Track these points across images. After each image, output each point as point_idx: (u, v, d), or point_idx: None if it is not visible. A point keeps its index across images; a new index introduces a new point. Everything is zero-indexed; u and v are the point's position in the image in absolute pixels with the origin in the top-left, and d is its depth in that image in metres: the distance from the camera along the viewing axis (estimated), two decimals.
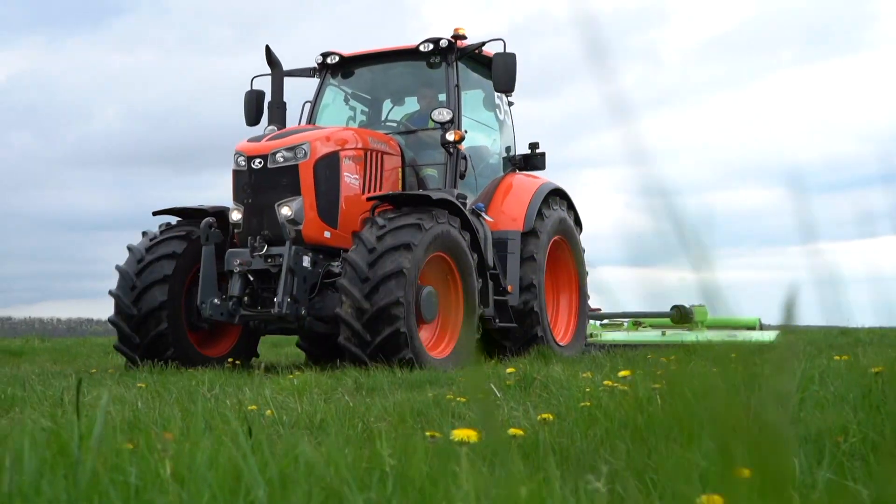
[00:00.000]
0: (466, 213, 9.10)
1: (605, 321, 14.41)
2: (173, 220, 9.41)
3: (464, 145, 10.22)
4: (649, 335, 12.77)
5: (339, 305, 8.03)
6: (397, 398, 4.91)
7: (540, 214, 10.65)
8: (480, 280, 9.09)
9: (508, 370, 5.68)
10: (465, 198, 9.68)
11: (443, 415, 4.13)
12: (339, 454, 1.89)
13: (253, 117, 10.44)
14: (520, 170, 11.35)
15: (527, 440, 2.86)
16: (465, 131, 10.08)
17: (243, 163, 8.80)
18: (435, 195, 8.79)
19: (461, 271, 8.85)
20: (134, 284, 8.74)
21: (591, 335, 12.34)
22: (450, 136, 9.69)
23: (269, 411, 4.14)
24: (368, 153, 9.43)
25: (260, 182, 8.72)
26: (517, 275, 10.22)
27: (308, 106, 10.76)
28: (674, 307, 12.52)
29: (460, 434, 2.55)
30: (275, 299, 8.23)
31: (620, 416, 3.11)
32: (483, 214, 9.93)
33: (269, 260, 8.45)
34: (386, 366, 7.46)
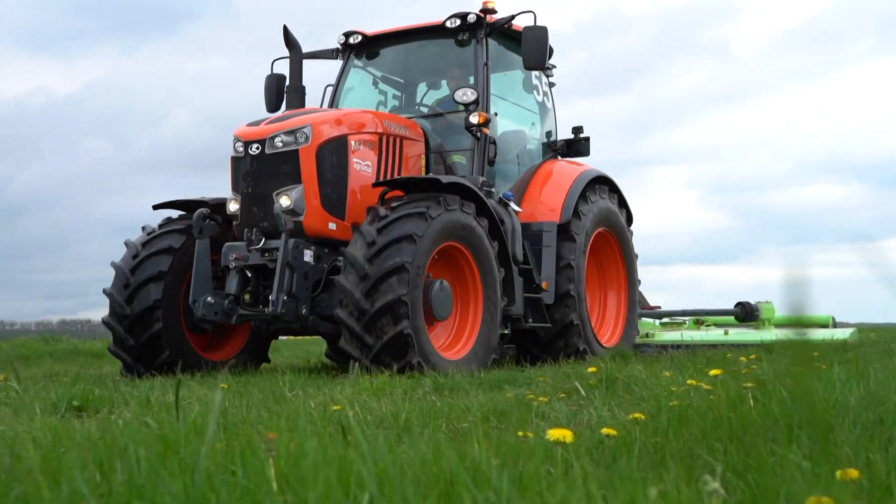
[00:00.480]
0: (483, 196, 8.26)
1: (665, 320, 13.60)
2: (176, 214, 8.73)
3: (500, 130, 9.60)
4: (710, 335, 11.72)
5: (338, 305, 7.36)
6: (478, 398, 4.89)
7: (583, 198, 9.78)
8: (503, 270, 8.35)
9: (590, 370, 5.63)
10: (490, 185, 8.89)
11: (526, 414, 4.11)
12: (439, 453, 1.88)
13: (273, 103, 9.79)
14: (562, 156, 10.50)
15: (620, 440, 2.82)
16: (495, 114, 9.37)
17: (241, 149, 8.11)
18: (445, 179, 8.09)
19: (479, 262, 8.08)
20: (128, 282, 8.08)
21: (646, 335, 11.71)
22: (473, 119, 8.90)
23: (353, 412, 4.15)
24: (385, 138, 8.68)
25: (257, 169, 8.01)
26: (553, 270, 9.35)
27: (330, 90, 10.04)
28: (738, 304, 11.90)
29: (556, 434, 2.54)
30: (270, 297, 7.54)
31: (713, 416, 3.06)
32: (511, 204, 9.05)
33: (267, 254, 7.75)
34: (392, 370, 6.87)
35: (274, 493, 1.64)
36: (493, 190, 8.88)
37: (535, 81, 10.25)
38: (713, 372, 3.99)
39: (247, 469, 1.78)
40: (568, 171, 10.06)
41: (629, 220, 10.75)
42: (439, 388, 5.64)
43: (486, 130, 9.00)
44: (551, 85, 10.64)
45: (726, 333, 11.13)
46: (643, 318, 12.70)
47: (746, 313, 11.78)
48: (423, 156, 9.11)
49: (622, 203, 10.65)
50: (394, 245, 7.26)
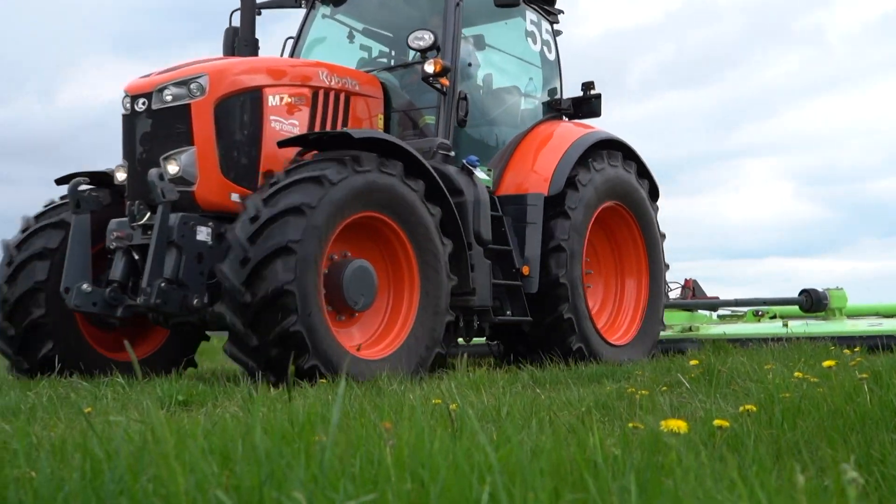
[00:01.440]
0: (416, 154, 6.71)
1: (722, 311, 12.53)
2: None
3: (496, 86, 8.41)
4: (766, 327, 10.09)
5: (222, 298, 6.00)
6: (579, 392, 4.85)
7: (584, 165, 8.17)
8: (449, 243, 6.78)
9: (692, 362, 5.54)
10: (448, 148, 7.38)
11: (630, 407, 4.06)
12: (558, 442, 1.86)
13: None
14: (569, 118, 8.91)
15: (733, 432, 2.76)
16: (469, 64, 8.02)
17: (128, 105, 6.71)
18: (358, 133, 6.57)
19: (410, 235, 6.53)
20: (11, 259, 6.85)
21: (690, 328, 10.20)
22: (429, 68, 7.26)
23: (453, 405, 4.15)
24: (323, 93, 7.15)
25: (143, 129, 6.63)
26: (538, 252, 7.76)
27: (291, 43, 8.50)
28: (803, 291, 10.30)
29: (670, 424, 2.49)
30: (141, 283, 6.14)
31: (829, 407, 2.98)
32: (477, 171, 7.41)
33: (150, 232, 6.24)
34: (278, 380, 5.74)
35: (393, 482, 1.63)
36: (453, 154, 7.43)
37: (530, 27, 8.71)
38: (826, 363, 3.87)
39: (365, 458, 1.78)
40: (568, 133, 8.45)
41: (653, 193, 9.09)
42: (538, 381, 5.61)
43: (443, 81, 7.40)
44: (556, 34, 9.07)
45: (785, 325, 9.52)
46: (700, 311, 11.95)
47: (813, 302, 10.23)
48: (381, 116, 7.60)
49: (643, 173, 8.92)
50: (278, 220, 5.86)
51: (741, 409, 3.06)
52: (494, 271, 7.42)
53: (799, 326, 9.35)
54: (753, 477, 1.49)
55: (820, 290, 10.23)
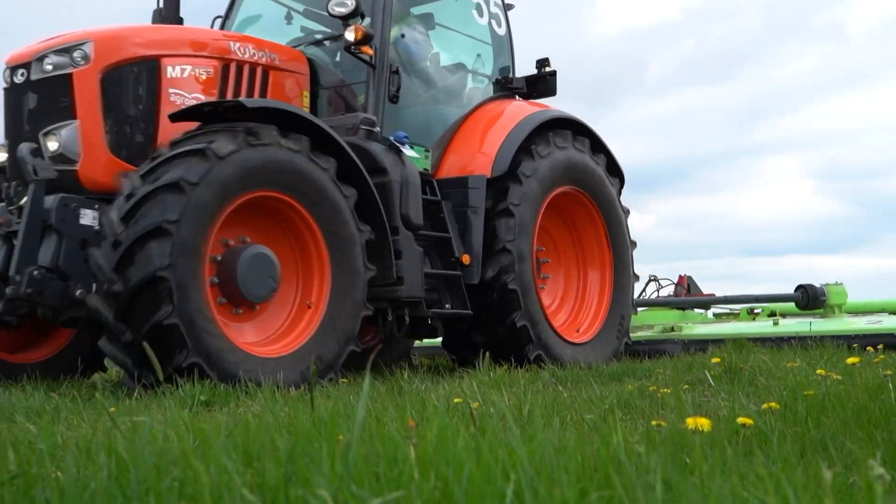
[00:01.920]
0: (325, 128, 6.04)
1: (717, 309, 11.84)
2: None
3: (442, 64, 7.84)
4: (755, 326, 9.34)
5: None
6: (600, 390, 4.83)
7: (527, 153, 7.41)
8: (367, 229, 6.11)
9: (714, 360, 5.51)
10: (372, 123, 6.69)
11: (652, 405, 4.04)
12: (582, 439, 1.86)
13: None
14: (523, 97, 8.23)
15: (757, 430, 2.75)
16: (402, 35, 7.36)
17: (7, 77, 6.14)
18: (253, 102, 5.87)
19: (318, 218, 5.86)
20: None
21: (672, 328, 9.26)
22: (349, 35, 6.53)
23: (475, 403, 4.15)
24: (235, 66, 6.46)
25: (24, 103, 6.02)
26: (479, 240, 7.05)
27: (219, 23, 7.81)
28: (799, 287, 9.47)
29: (693, 422, 2.48)
30: (9, 272, 5.48)
31: (853, 405, 2.96)
32: (405, 148, 6.72)
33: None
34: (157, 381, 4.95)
35: (417, 480, 1.63)
36: (377, 130, 6.76)
37: (481, 3, 8.11)
38: (850, 360, 3.85)
39: (390, 457, 1.78)
40: (517, 112, 7.73)
41: (612, 169, 8.32)
42: (560, 380, 5.59)
43: (365, 50, 6.63)
44: (507, 8, 8.43)
45: (776, 324, 8.80)
46: (694, 309, 11.25)
47: (809, 298, 9.37)
48: (307, 93, 6.91)
49: (597, 148, 8.16)
50: (153, 198, 5.22)
51: (764, 406, 3.04)
52: (432, 260, 6.87)
53: (792, 325, 8.83)
54: (779, 473, 1.48)
55: (817, 285, 9.42)
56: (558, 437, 2.22)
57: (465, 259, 6.98)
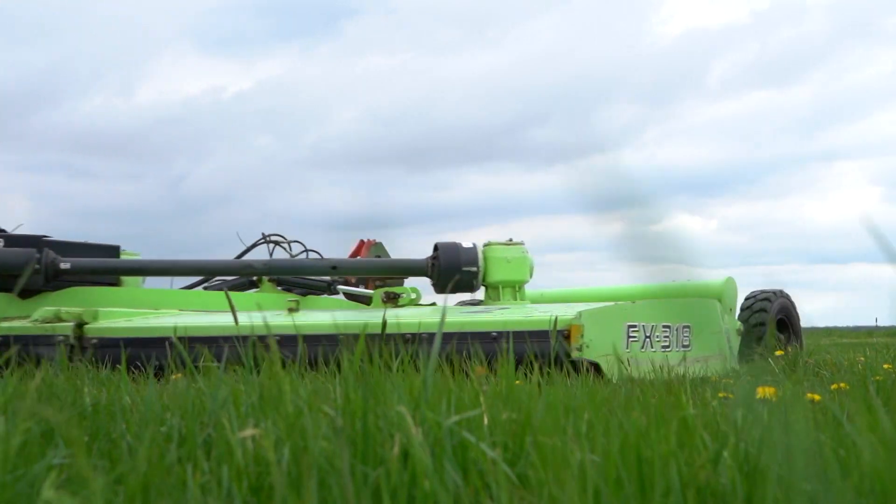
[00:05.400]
0: None
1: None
2: None
3: None
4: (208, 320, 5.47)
5: None
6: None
7: None
8: None
9: (777, 353, 5.46)
10: None
11: (714, 389, 4.01)
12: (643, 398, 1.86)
13: None
14: None
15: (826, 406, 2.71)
16: None
17: None
18: None
19: None
20: None
21: (59, 318, 5.57)
22: None
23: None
24: None
25: None
26: None
27: None
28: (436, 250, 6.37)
29: (762, 392, 2.46)
30: None
31: None
32: None
33: None
34: None
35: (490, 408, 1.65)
36: None
37: None
38: None
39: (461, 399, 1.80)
40: None
41: None
42: None
43: None
44: None
45: (292, 312, 5.68)
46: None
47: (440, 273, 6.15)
48: None
49: None
50: None
51: (832, 387, 3.01)
52: None
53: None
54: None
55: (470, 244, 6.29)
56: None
57: None
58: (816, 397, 2.70)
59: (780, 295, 7.57)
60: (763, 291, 7.57)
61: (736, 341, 6.45)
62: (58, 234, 6.51)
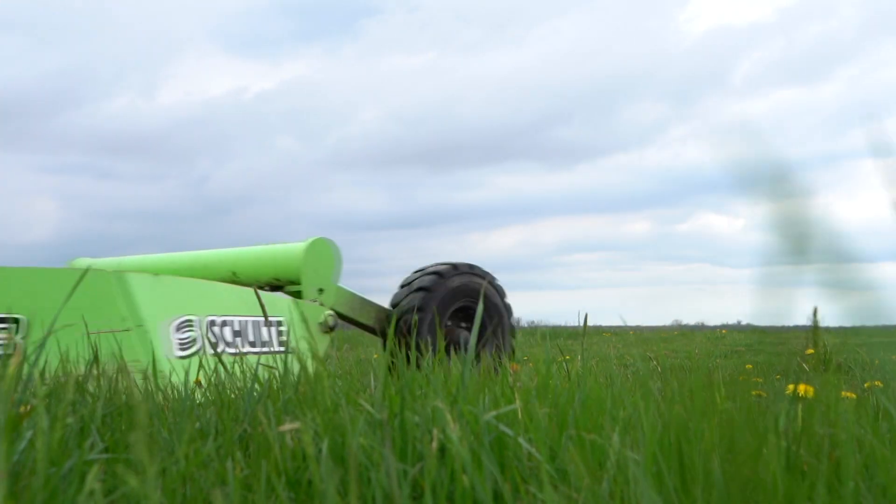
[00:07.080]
0: None
1: None
2: None
3: None
4: None
5: None
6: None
7: None
8: None
9: (808, 351, 5.41)
10: None
11: (751, 387, 3.99)
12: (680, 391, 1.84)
13: None
14: None
15: (861, 402, 2.69)
16: None
17: None
18: None
19: None
20: None
21: None
22: None
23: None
24: None
25: None
26: None
27: None
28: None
29: (800, 388, 2.44)
30: None
31: None
32: None
33: None
34: None
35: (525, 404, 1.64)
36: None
37: None
38: None
39: (496, 395, 1.79)
40: None
41: None
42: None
43: None
44: None
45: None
46: None
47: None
48: None
49: None
50: None
51: (866, 384, 2.99)
52: None
53: None
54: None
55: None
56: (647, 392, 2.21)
57: None
58: (851, 395, 2.68)
59: (468, 271, 5.83)
60: (437, 265, 5.81)
61: (324, 340, 4.88)
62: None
